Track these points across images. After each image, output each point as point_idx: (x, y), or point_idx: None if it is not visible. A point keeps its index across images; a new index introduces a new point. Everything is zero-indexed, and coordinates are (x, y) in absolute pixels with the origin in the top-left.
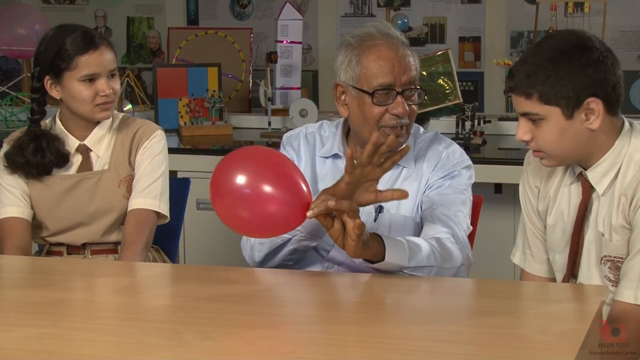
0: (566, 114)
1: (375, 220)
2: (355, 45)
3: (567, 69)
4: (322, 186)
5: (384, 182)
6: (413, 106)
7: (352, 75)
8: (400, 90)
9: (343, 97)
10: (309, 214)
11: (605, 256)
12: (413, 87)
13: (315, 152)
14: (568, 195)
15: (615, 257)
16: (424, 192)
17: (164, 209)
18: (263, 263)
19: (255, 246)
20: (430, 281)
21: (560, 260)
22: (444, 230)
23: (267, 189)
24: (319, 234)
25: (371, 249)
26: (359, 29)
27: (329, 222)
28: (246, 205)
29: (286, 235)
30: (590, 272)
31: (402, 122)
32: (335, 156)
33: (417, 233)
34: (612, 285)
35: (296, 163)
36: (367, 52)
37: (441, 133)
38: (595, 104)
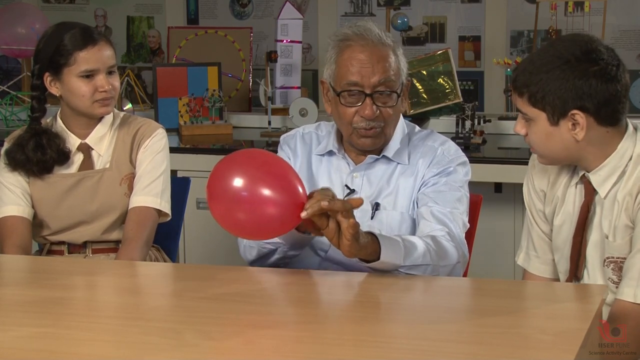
0: (551, 120)
1: (372, 218)
2: (334, 43)
3: (559, 76)
4: (320, 183)
5: (379, 177)
6: (387, 109)
7: (330, 73)
8: (369, 92)
9: (328, 93)
10: (303, 214)
11: (608, 258)
12: (385, 89)
13: (312, 151)
14: (574, 196)
15: (618, 257)
16: (420, 189)
17: (165, 207)
18: (254, 264)
19: (247, 248)
20: (429, 281)
21: (565, 262)
22: (439, 228)
23: (263, 191)
24: (302, 245)
25: (366, 249)
26: (343, 27)
27: (323, 221)
28: (243, 208)
29: (270, 247)
30: (594, 275)
31: (372, 125)
32: (330, 153)
33: (414, 229)
34: (616, 287)
35: (293, 162)
36: (341, 52)
37: (441, 132)
38: (580, 117)
